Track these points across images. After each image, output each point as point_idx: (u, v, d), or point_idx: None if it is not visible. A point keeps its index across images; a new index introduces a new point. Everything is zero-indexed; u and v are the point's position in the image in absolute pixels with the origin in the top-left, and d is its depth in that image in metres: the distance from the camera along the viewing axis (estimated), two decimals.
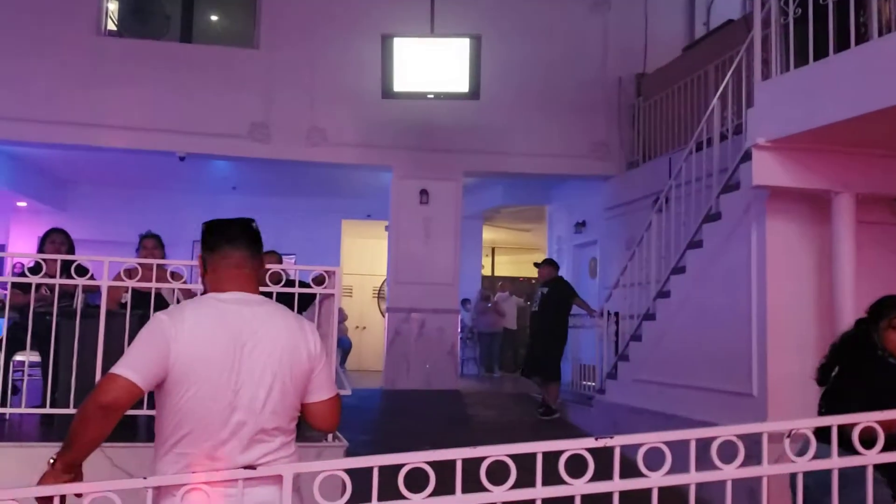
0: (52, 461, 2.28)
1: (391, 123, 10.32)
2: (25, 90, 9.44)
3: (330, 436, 4.78)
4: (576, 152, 10.76)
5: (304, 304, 5.20)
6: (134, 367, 2.28)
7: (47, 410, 4.96)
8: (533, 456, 2.38)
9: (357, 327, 15.40)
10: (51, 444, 4.45)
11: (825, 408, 3.41)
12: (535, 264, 9.66)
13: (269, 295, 4.72)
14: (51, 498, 2.21)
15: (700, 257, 6.91)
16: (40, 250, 5.95)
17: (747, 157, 6.06)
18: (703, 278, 6.80)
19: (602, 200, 11.29)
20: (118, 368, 2.28)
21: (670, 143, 9.48)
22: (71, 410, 4.76)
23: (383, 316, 12.43)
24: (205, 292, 2.56)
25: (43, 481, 2.23)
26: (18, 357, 5.48)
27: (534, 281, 16.82)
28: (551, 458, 2.39)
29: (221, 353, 2.34)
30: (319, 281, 5.46)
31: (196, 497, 2.23)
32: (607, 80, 10.92)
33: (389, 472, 2.34)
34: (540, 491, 2.36)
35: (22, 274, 4.98)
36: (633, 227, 9.66)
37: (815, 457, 2.49)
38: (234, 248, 2.49)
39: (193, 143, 9.98)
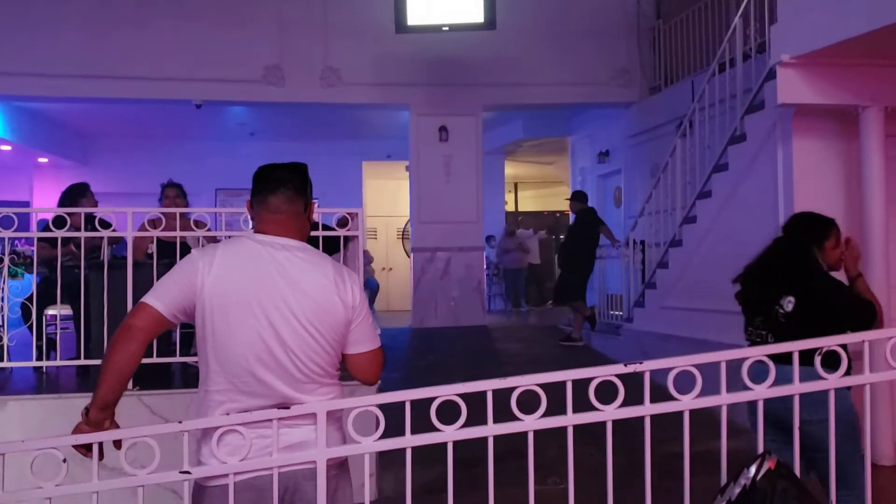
0: (85, 410, 2.30)
1: (406, 60, 10.16)
2: (39, 45, 9.39)
3: None
4: (596, 80, 10.54)
5: (331, 249, 5.20)
6: (159, 296, 2.32)
7: (82, 362, 5.07)
8: (562, 385, 2.37)
9: (383, 269, 15.47)
10: (87, 394, 4.56)
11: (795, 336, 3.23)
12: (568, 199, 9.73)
13: None
14: (89, 446, 2.25)
15: (726, 181, 6.80)
16: (62, 206, 5.98)
17: (772, 75, 5.90)
18: (729, 202, 6.71)
19: (624, 128, 11.11)
20: (145, 297, 2.33)
21: (692, 66, 9.26)
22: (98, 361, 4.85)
23: (408, 256, 12.46)
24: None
25: (77, 430, 2.26)
26: (50, 311, 5.57)
27: (558, 214, 16.77)
28: (581, 387, 2.38)
29: (250, 291, 2.32)
30: (343, 223, 5.45)
31: (232, 439, 2.25)
32: (626, 2, 10.63)
33: (421, 407, 2.35)
34: (571, 418, 2.37)
35: (46, 228, 5.02)
36: (657, 153, 9.52)
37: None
38: (272, 194, 2.45)
39: (209, 90, 9.92)
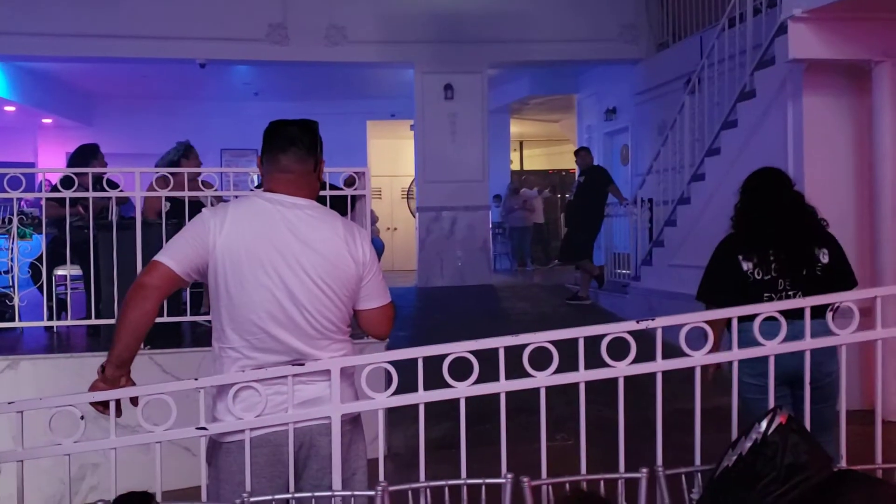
0: (101, 368, 2.31)
1: (411, 17, 10.04)
2: (42, 4, 9.28)
3: None
4: (603, 36, 10.40)
5: (339, 209, 5.18)
6: (171, 254, 2.33)
7: (93, 322, 5.09)
8: (574, 342, 2.38)
9: (388, 229, 15.46)
10: (98, 353, 4.59)
11: (834, 288, 3.22)
12: (574, 153, 9.63)
13: None
14: (106, 403, 2.27)
15: (735, 137, 6.75)
16: (72, 166, 5.97)
17: (783, 30, 5.82)
18: (738, 159, 6.66)
19: (632, 85, 11.00)
20: (158, 256, 2.35)
21: (701, 22, 9.12)
22: (115, 320, 4.88)
23: (414, 216, 12.44)
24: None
25: (94, 387, 2.28)
26: (60, 272, 5.59)
27: (564, 173, 16.70)
28: (590, 344, 2.39)
29: (262, 249, 2.33)
30: (350, 183, 5.45)
31: (247, 395, 2.28)
32: None
33: (430, 365, 2.37)
34: (583, 374, 2.38)
35: (54, 188, 5.00)
36: (665, 111, 9.43)
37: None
38: (282, 152, 2.44)
39: (212, 49, 9.82)
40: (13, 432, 2.25)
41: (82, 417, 2.18)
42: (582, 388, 2.41)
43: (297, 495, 2.24)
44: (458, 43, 10.31)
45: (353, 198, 5.32)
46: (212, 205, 4.89)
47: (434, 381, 2.36)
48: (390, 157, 15.24)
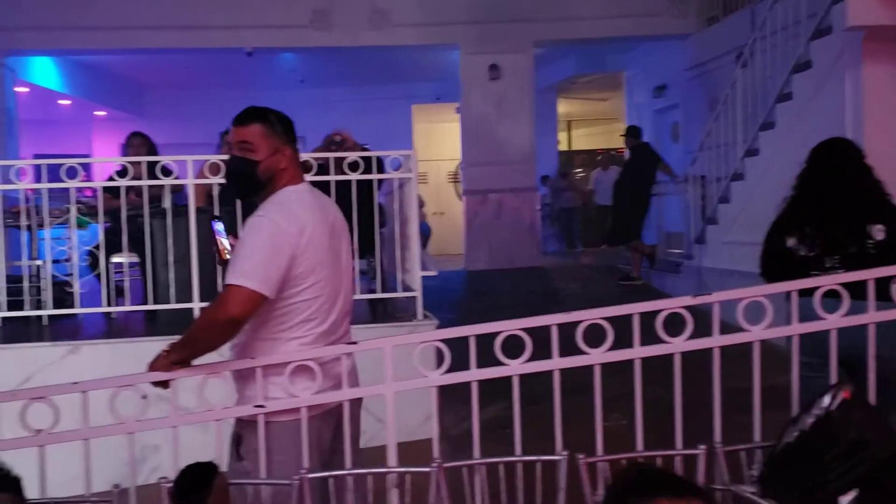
0: (166, 351, 2.34)
1: None
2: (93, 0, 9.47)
3: (420, 313, 4.89)
4: (651, 11, 10.19)
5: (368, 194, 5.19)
6: (261, 278, 2.22)
7: (150, 307, 5.20)
8: (627, 319, 2.35)
9: (434, 213, 15.45)
10: (156, 338, 4.69)
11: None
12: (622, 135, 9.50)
13: (346, 183, 4.78)
14: (167, 382, 2.34)
15: (790, 110, 6.57)
16: (124, 155, 6.09)
17: None
18: (793, 132, 6.48)
19: (681, 61, 10.77)
20: (245, 280, 2.21)
21: None
22: (171, 306, 4.98)
23: (460, 199, 12.41)
24: (276, 184, 2.42)
25: (155, 367, 2.32)
26: (115, 259, 5.71)
27: (612, 153, 16.48)
28: (647, 324, 2.35)
29: (326, 242, 2.39)
30: (398, 168, 5.45)
31: (304, 371, 2.30)
32: None
33: (481, 344, 2.36)
34: (638, 351, 2.35)
35: (110, 179, 5.09)
36: (716, 86, 9.23)
37: None
38: (295, 142, 2.48)
39: (259, 37, 9.90)
40: (77, 414, 2.30)
41: (144, 397, 2.23)
42: (637, 364, 2.37)
43: (355, 472, 2.26)
44: (503, 22, 10.21)
45: (400, 181, 5.33)
46: None
47: (486, 363, 2.36)
48: (436, 141, 15.21)
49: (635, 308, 2.33)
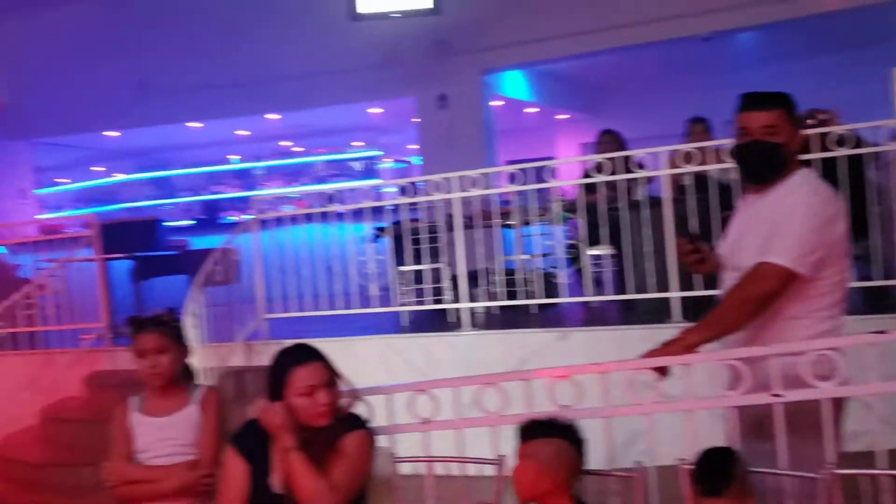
0: (680, 337, 2.41)
1: None
2: (549, 12, 10.12)
3: None
4: None
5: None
6: (801, 262, 2.31)
7: (628, 296, 5.39)
8: None
9: None
10: (634, 326, 4.85)
11: None
12: None
13: (831, 161, 4.42)
14: (663, 369, 2.41)
15: None
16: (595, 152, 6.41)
17: None
18: None
19: None
20: (786, 262, 2.31)
21: None
22: (649, 295, 5.09)
23: None
24: (791, 167, 2.47)
25: (667, 351, 2.38)
26: (593, 252, 6.04)
27: None
28: None
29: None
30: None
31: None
32: None
33: None
34: None
35: (586, 175, 5.40)
36: None
37: None
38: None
39: (714, 21, 9.62)
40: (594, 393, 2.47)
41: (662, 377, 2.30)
42: None
43: None
44: None
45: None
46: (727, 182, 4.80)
47: None
48: None
49: None
